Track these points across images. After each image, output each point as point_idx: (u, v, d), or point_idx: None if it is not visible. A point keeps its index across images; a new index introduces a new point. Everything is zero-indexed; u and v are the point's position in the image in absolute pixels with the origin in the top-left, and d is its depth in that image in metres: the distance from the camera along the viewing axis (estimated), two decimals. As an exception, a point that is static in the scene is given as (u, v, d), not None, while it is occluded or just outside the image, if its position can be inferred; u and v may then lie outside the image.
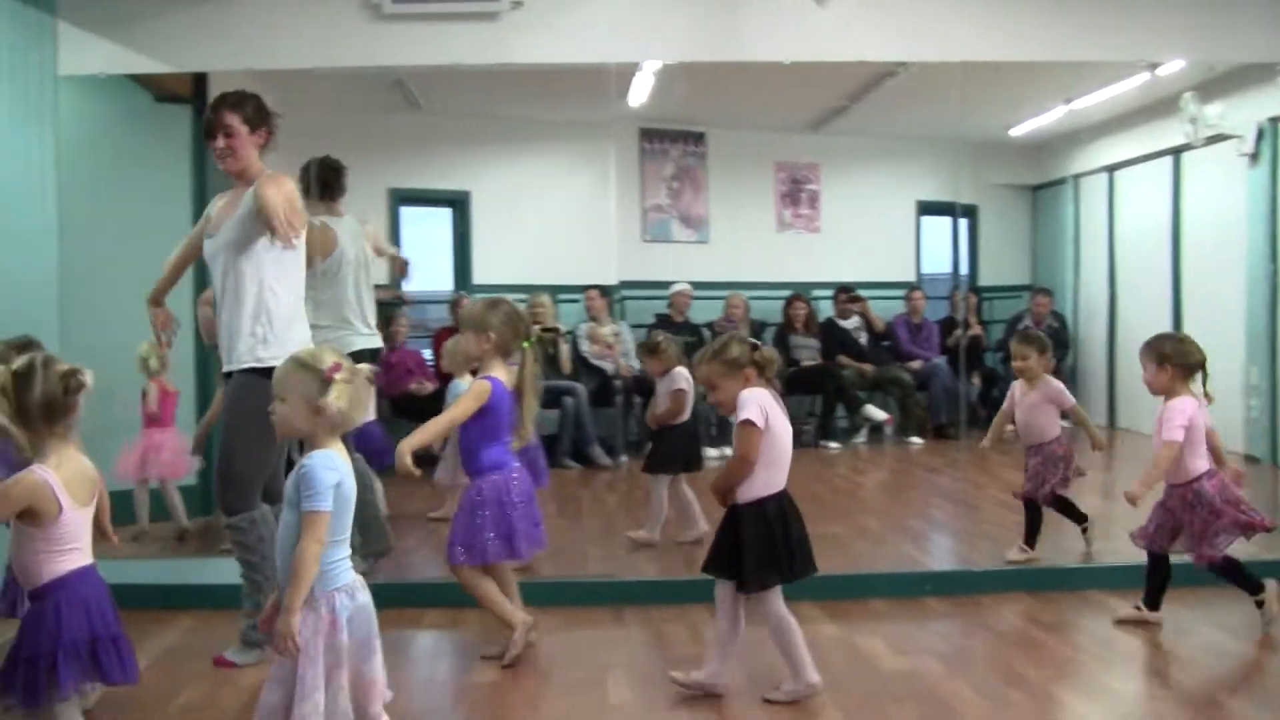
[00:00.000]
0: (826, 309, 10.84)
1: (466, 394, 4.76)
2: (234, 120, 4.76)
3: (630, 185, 10.41)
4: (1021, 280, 11.07)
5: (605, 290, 9.61)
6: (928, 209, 11.01)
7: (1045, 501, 6.03)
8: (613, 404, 8.73)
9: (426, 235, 10.06)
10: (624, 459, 9.00)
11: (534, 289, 9.71)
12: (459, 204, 9.98)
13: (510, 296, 9.50)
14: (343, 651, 3.28)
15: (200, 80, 6.71)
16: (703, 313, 10.33)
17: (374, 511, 5.94)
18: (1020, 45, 6.22)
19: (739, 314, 10.34)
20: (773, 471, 4.20)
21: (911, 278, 11.08)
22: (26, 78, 5.80)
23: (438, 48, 6.09)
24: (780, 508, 4.20)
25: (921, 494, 8.46)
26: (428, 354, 9.28)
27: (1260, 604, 5.01)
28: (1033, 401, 6.06)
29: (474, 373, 5.06)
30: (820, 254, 10.99)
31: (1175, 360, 5.00)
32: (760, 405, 4.15)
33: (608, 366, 9.65)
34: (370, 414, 3.71)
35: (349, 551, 3.41)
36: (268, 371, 4.21)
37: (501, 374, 4.79)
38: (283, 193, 4.48)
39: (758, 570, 4.13)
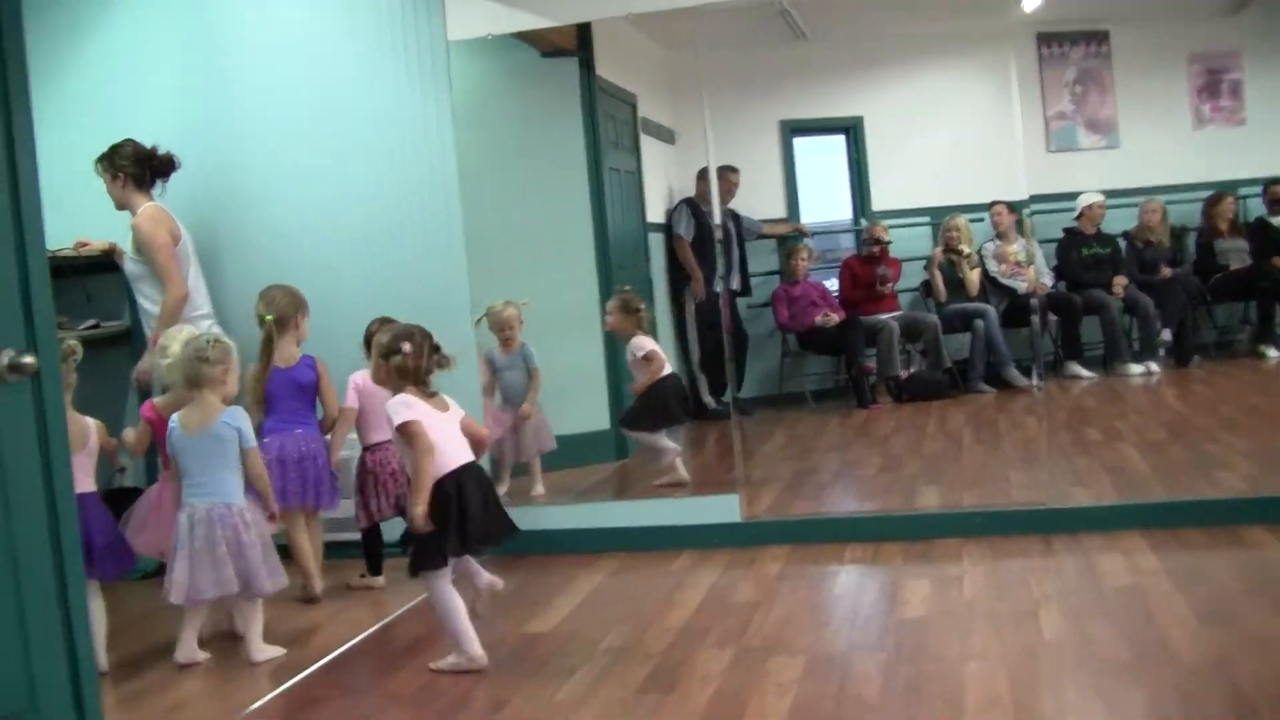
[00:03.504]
0: (1255, 208, 10.13)
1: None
2: (100, 173, 5.74)
3: (1030, 94, 9.97)
4: None
5: (1012, 206, 9.23)
6: (1372, 88, 10.10)
7: None
8: (1027, 323, 8.38)
9: (821, 165, 9.94)
10: (1041, 381, 8.65)
11: (934, 211, 9.45)
12: (852, 130, 9.81)
13: (912, 220, 9.40)
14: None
15: (585, 31, 6.80)
16: (1116, 223, 9.82)
17: None
18: None
19: (1154, 220, 9.79)
20: (439, 457, 4.07)
21: (1357, 165, 10.19)
22: (419, 46, 6.05)
23: (822, -35, 5.90)
24: (458, 484, 4.07)
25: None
26: (831, 285, 9.17)
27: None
28: None
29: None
30: (1245, 148, 10.20)
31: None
32: (406, 403, 4.09)
33: (1019, 285, 9.29)
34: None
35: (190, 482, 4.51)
36: None
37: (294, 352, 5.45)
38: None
39: (424, 553, 4.08)
